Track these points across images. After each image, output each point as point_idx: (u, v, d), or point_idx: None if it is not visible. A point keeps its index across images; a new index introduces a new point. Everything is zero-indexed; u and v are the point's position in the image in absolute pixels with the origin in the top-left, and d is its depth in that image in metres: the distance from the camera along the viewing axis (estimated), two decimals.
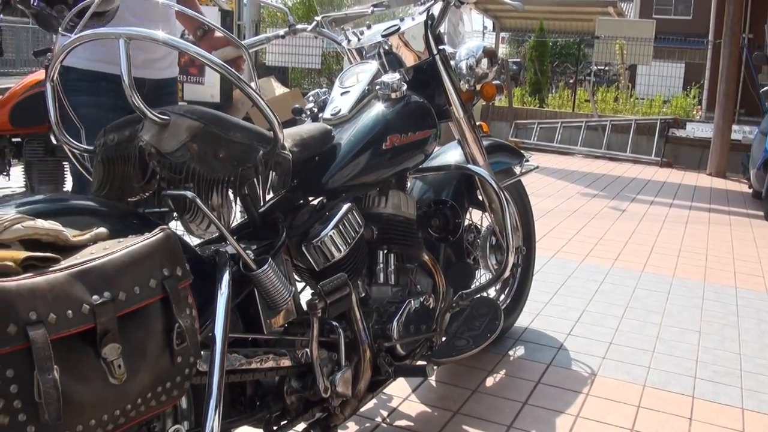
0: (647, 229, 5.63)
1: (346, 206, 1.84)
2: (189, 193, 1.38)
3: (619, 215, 6.13)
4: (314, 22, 2.50)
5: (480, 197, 2.60)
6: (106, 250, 1.09)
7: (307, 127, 1.90)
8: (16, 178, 3.76)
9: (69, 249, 1.10)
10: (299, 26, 2.50)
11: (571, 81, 15.60)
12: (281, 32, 2.50)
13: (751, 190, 7.77)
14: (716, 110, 9.30)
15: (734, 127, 9.51)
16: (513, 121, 11.20)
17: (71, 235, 1.13)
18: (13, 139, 3.40)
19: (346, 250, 1.80)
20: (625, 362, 2.93)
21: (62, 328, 1.01)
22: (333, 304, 1.70)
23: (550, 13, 15.31)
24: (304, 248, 1.76)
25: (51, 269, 1.02)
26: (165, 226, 1.20)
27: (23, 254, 1.01)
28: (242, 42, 2.46)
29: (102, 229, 1.19)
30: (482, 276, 2.77)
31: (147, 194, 1.51)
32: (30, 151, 3.35)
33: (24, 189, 3.45)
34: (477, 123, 2.48)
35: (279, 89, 11.08)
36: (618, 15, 14.64)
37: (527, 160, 2.93)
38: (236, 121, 1.52)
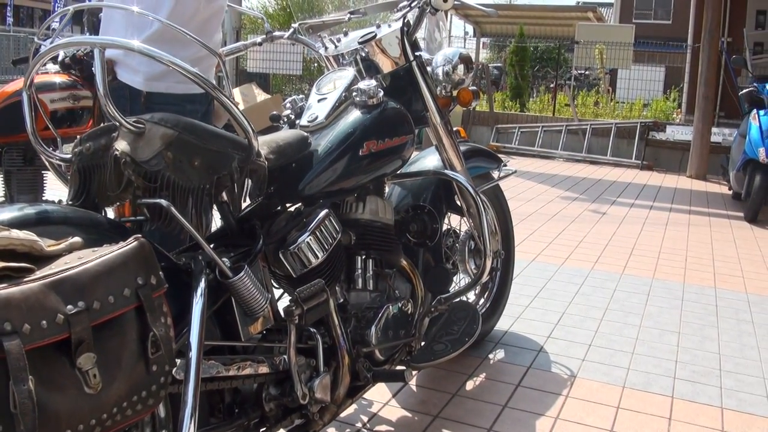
0: (627, 231, 5.67)
1: (323, 212, 1.85)
2: (163, 202, 1.39)
3: (599, 218, 6.18)
4: (291, 29, 2.51)
5: (458, 202, 2.62)
6: (81, 260, 1.10)
7: (284, 134, 1.92)
8: None
9: (44, 259, 1.11)
10: (276, 33, 2.52)
11: (551, 86, 15.69)
12: (258, 39, 2.52)
13: (731, 192, 7.85)
14: (696, 113, 9.39)
15: (714, 129, 9.61)
16: (494, 125, 11.25)
17: (46, 244, 1.13)
18: None
19: (324, 257, 1.81)
20: (604, 364, 2.95)
21: (37, 338, 1.01)
22: (310, 311, 1.71)
23: (530, 19, 15.43)
24: (281, 255, 1.77)
25: (25, 279, 1.03)
26: (139, 235, 1.21)
27: None
28: (219, 50, 2.48)
29: (77, 239, 1.19)
30: (461, 280, 2.79)
31: (122, 202, 1.52)
32: (9, 160, 3.33)
33: (2, 199, 3.44)
34: (454, 128, 2.50)
35: (260, 95, 11.07)
36: (598, 20, 14.77)
37: (505, 165, 2.95)
38: (211, 129, 1.53)
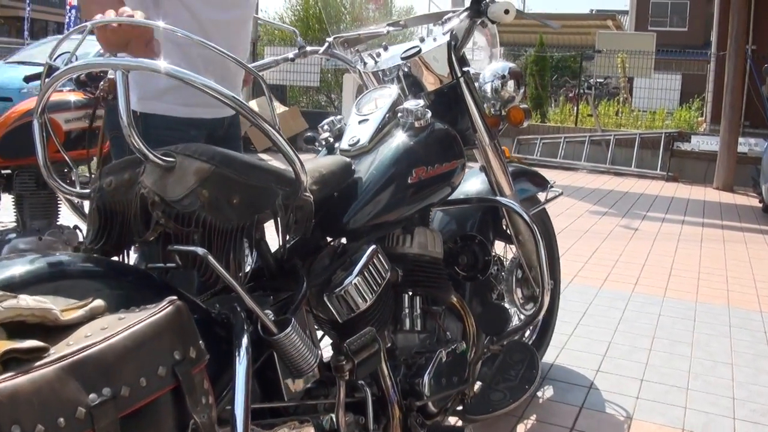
0: (662, 249, 5.45)
1: (370, 249, 1.64)
2: (200, 250, 1.18)
3: (632, 234, 5.95)
4: (326, 44, 2.31)
5: (506, 228, 2.41)
6: (105, 332, 0.89)
7: (326, 162, 1.71)
8: (5, 211, 3.55)
9: (59, 330, 0.90)
10: (310, 48, 2.32)
11: (570, 95, 15.46)
12: (290, 55, 2.32)
13: (761, 205, 7.60)
14: (722, 123, 9.15)
15: (740, 139, 9.36)
16: (515, 137, 11.03)
17: (61, 310, 0.93)
18: (3, 171, 3.20)
19: (372, 299, 1.61)
20: (659, 402, 2.73)
21: None
22: (361, 364, 1.50)
23: (549, 27, 15.18)
24: (326, 298, 1.56)
25: (37, 364, 0.82)
26: (174, 298, 1.00)
27: (2, 346, 0.81)
28: (254, 64, 2.27)
29: (98, 302, 0.98)
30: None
31: (149, 245, 1.32)
32: (20, 184, 3.14)
33: (15, 224, 3.25)
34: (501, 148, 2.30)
35: (278, 108, 10.94)
36: (617, 28, 14.56)
37: (551, 186, 2.74)
38: (252, 161, 1.32)
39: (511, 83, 2.20)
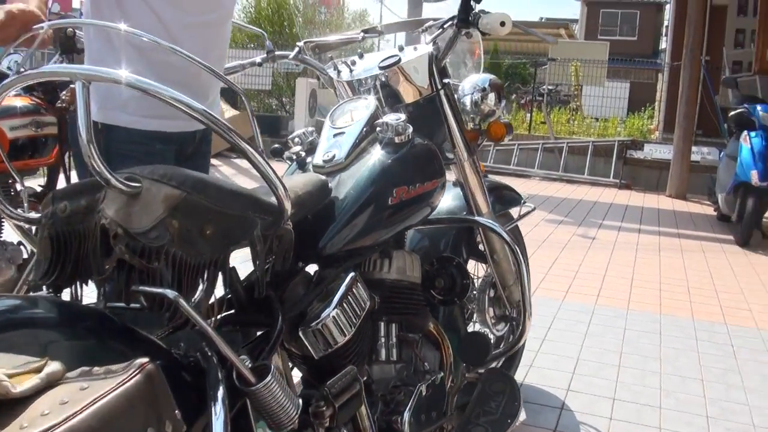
0: (621, 259, 5.42)
1: (349, 278, 1.52)
2: (171, 293, 1.04)
3: (590, 244, 5.93)
4: (296, 49, 2.17)
5: (481, 247, 2.30)
6: (66, 408, 0.74)
7: (302, 181, 1.57)
8: None
9: (9, 407, 0.75)
10: (279, 53, 2.17)
11: (522, 101, 15.51)
12: (258, 59, 2.16)
13: (716, 213, 7.66)
14: (676, 131, 9.22)
15: (692, 148, 9.45)
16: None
17: (9, 375, 0.78)
18: None
19: (352, 333, 1.48)
20: (633, 422, 2.66)
21: None
22: (343, 408, 1.37)
23: (503, 35, 15.21)
24: (301, 333, 1.43)
25: None
26: (145, 361, 0.85)
27: None
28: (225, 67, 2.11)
29: (55, 366, 0.83)
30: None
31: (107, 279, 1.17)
32: None
33: None
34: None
35: (228, 111, 10.70)
36: (569, 37, 14.65)
37: (524, 202, 2.64)
38: (228, 186, 1.18)
39: (491, 96, 2.09)
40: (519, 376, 2.97)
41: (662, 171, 9.68)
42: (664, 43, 17.88)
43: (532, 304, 2.16)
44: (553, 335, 3.57)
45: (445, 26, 1.98)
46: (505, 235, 2.01)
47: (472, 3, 1.93)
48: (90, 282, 1.18)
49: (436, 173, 1.79)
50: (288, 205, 1.21)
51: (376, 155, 1.70)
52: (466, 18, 1.93)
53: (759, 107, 6.50)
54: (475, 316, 2.41)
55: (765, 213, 6.48)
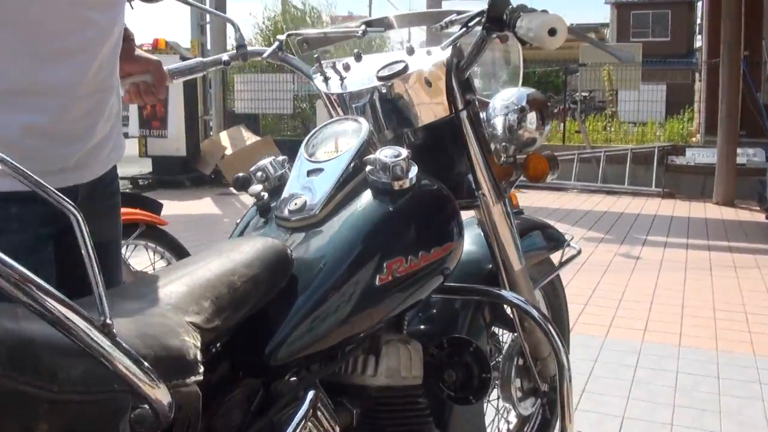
0: (669, 281, 4.89)
1: (309, 397, 1.06)
2: None
3: (634, 265, 5.41)
4: (276, 43, 1.67)
5: (508, 310, 1.79)
6: None
7: (248, 253, 1.09)
8: None
9: None
10: (251, 49, 1.68)
11: (555, 110, 14.98)
12: (225, 56, 1.67)
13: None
14: (719, 133, 8.65)
15: (737, 150, 8.86)
16: None
17: None
18: None
19: None
20: None
21: None
22: None
23: (552, 48, 14.76)
24: None
25: None
26: None
27: None
28: (169, 67, 1.65)
29: None
30: (502, 413, 2.00)
31: None
32: None
33: None
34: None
35: (250, 139, 10.39)
36: (600, 40, 14.09)
37: (568, 243, 2.13)
38: (67, 347, 0.72)
39: (531, 117, 1.54)
40: None
41: (707, 176, 9.08)
42: (699, 41, 17.23)
43: (571, 346, 1.64)
44: (593, 386, 3.07)
45: (470, 24, 1.46)
46: (537, 316, 1.51)
47: None
48: None
49: (449, 234, 1.31)
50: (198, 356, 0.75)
51: (364, 208, 1.23)
52: (499, 18, 1.37)
53: None
54: (497, 389, 1.90)
55: None
